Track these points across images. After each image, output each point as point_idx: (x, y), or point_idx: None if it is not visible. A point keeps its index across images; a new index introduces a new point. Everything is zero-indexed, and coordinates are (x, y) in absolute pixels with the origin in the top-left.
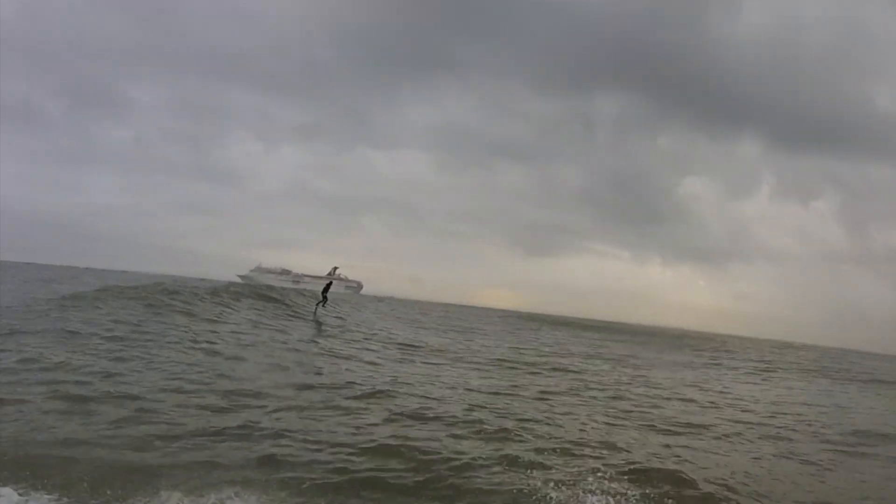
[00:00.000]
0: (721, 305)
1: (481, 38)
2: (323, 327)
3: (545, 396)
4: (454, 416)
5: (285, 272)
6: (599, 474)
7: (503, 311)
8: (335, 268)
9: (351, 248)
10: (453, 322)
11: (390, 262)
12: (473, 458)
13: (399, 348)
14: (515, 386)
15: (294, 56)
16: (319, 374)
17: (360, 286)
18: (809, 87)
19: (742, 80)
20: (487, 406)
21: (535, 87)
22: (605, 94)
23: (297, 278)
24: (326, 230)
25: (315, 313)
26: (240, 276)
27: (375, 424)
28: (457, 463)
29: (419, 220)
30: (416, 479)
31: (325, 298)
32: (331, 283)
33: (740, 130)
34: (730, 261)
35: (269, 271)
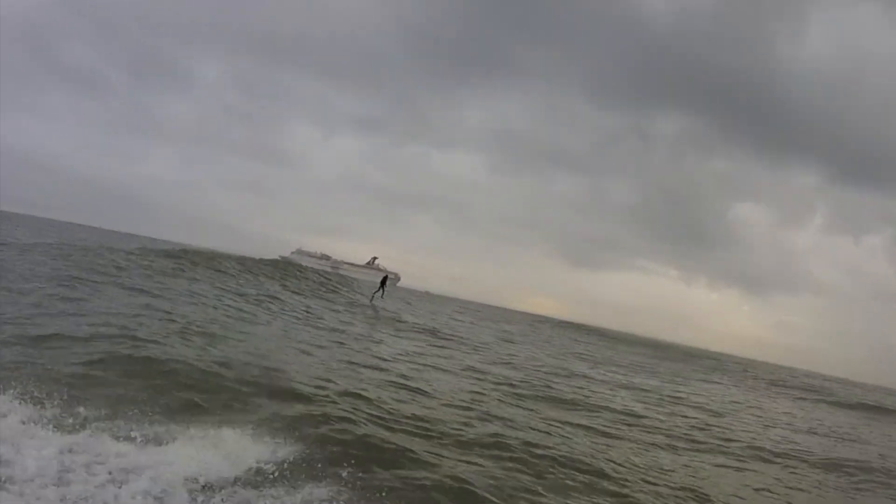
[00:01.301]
0: (762, 333)
1: (543, 45)
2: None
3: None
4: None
5: (325, 257)
6: None
7: (544, 317)
8: (374, 258)
9: (398, 241)
10: (501, 327)
11: (434, 259)
12: None
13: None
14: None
15: (357, 47)
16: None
17: (397, 278)
18: (869, 122)
19: (802, 109)
20: None
21: (594, 98)
22: (664, 111)
23: (336, 265)
24: (375, 221)
25: (372, 300)
26: (280, 258)
27: None
28: None
29: (468, 221)
30: None
31: (382, 289)
32: (387, 276)
33: (797, 159)
34: (775, 289)
35: (310, 255)
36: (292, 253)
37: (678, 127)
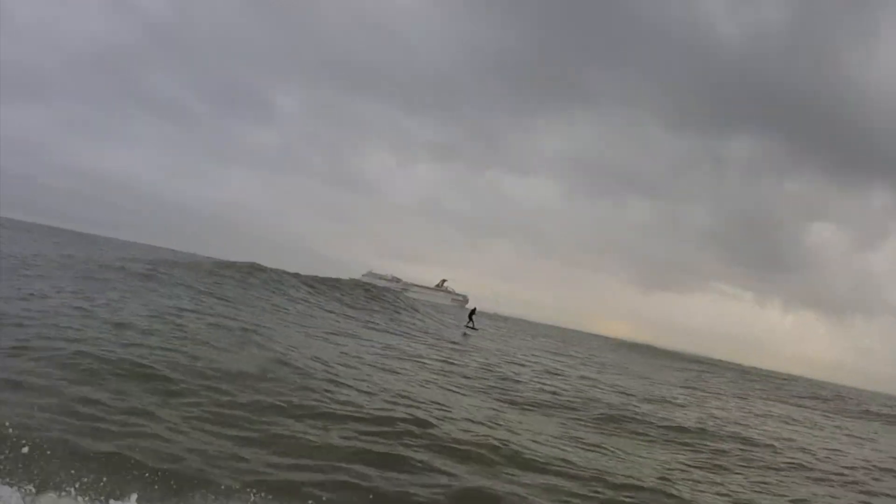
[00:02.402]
0: (839, 357)
1: (615, 70)
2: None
3: None
4: None
5: (395, 280)
6: None
7: (619, 340)
8: (443, 280)
9: (472, 265)
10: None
11: (507, 283)
12: None
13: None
14: None
15: (434, 75)
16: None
17: (465, 300)
18: None
19: (876, 129)
20: None
21: (667, 122)
22: (737, 134)
23: (406, 287)
24: (450, 246)
25: (464, 330)
26: (352, 280)
27: None
28: None
29: (542, 245)
30: None
31: (471, 320)
32: (475, 309)
33: (872, 180)
34: (853, 312)
35: (381, 277)
36: (363, 276)
37: (751, 149)
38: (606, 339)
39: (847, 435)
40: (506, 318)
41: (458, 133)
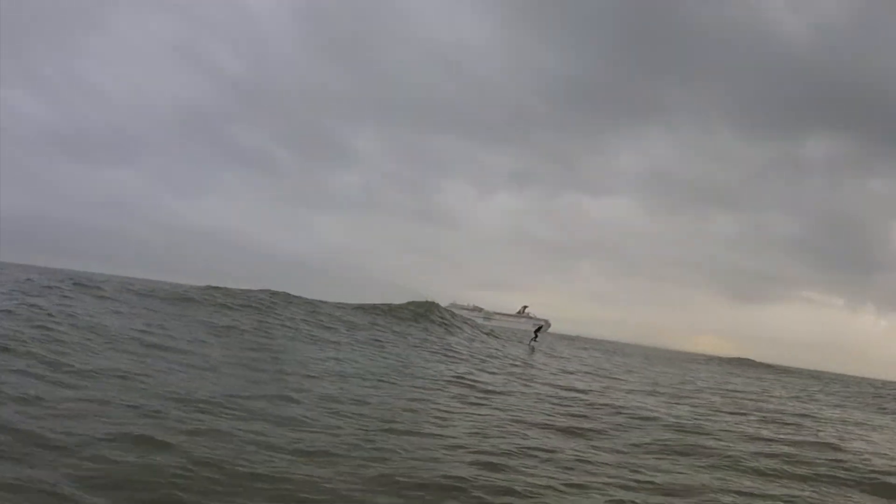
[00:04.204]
0: None
1: (683, 81)
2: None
3: None
4: None
5: (477, 309)
6: None
7: (710, 356)
8: (524, 306)
9: (554, 289)
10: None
11: (591, 304)
12: None
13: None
14: None
15: (504, 104)
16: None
17: (547, 324)
18: None
19: None
20: None
21: (741, 131)
22: (814, 135)
23: (488, 315)
24: (532, 271)
25: (530, 345)
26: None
27: None
28: None
29: (625, 264)
30: None
31: (535, 337)
32: (541, 326)
33: None
34: None
35: (463, 307)
36: (447, 306)
37: (830, 150)
38: (694, 355)
39: None
40: (576, 338)
41: (534, 158)
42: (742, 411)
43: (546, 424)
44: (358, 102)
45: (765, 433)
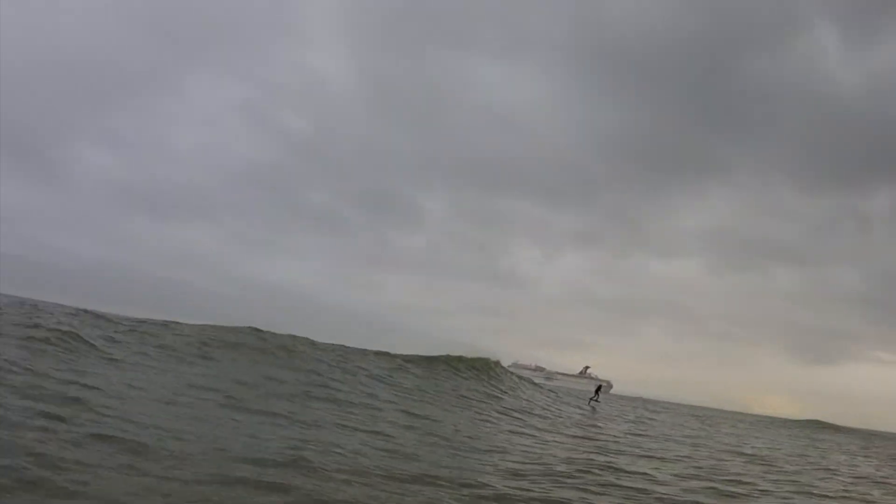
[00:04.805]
0: None
1: (741, 136)
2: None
3: None
4: None
5: (539, 369)
6: None
7: (777, 418)
8: (586, 367)
9: (618, 350)
10: None
11: (654, 364)
12: None
13: None
14: None
15: (565, 165)
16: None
17: (609, 385)
18: None
19: None
20: None
21: (801, 184)
22: (875, 186)
23: (550, 375)
24: (598, 332)
25: (590, 404)
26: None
27: None
28: None
29: (689, 324)
30: None
31: (597, 395)
32: (601, 385)
33: None
34: None
35: (525, 367)
36: (509, 366)
37: (892, 201)
38: (758, 416)
39: None
40: (639, 399)
41: (598, 219)
42: None
43: None
44: (425, 163)
45: None
